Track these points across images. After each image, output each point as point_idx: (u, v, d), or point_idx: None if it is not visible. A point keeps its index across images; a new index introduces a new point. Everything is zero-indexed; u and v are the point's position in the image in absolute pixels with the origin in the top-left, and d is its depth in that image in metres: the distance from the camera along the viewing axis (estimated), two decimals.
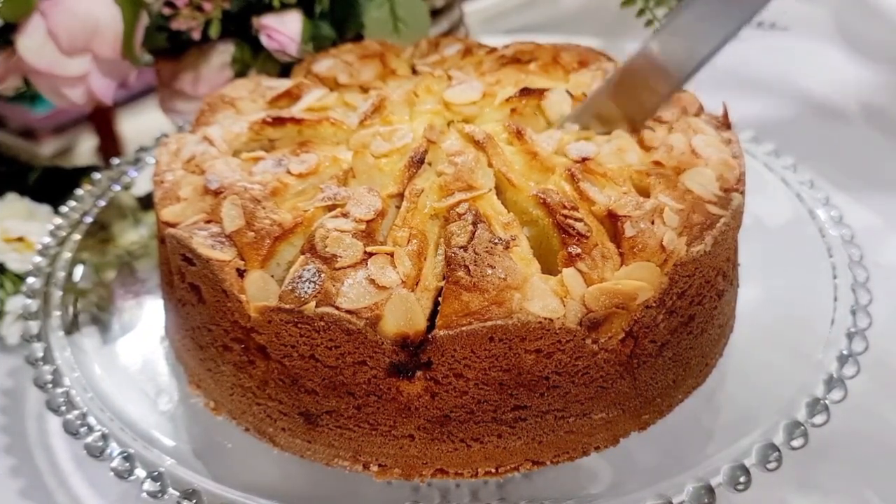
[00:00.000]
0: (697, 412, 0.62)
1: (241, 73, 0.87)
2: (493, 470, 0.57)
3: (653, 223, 0.55)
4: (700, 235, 0.56)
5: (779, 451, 0.55)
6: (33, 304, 0.69)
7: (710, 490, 0.53)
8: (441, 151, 0.61)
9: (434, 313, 0.52)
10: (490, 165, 0.60)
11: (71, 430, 0.59)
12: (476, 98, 0.66)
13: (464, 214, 0.55)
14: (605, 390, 0.56)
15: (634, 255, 0.54)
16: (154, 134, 0.89)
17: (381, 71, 0.72)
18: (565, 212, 0.55)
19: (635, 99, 0.65)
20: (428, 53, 0.76)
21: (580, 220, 0.55)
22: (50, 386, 0.62)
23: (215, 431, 0.62)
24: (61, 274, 0.72)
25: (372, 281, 0.52)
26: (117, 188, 0.83)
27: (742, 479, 0.53)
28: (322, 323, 0.52)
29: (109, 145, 1.10)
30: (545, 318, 0.51)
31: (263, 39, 0.84)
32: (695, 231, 0.56)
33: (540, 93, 0.65)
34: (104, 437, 0.58)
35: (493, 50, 0.75)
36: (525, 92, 0.65)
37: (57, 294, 0.70)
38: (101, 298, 0.74)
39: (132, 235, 0.81)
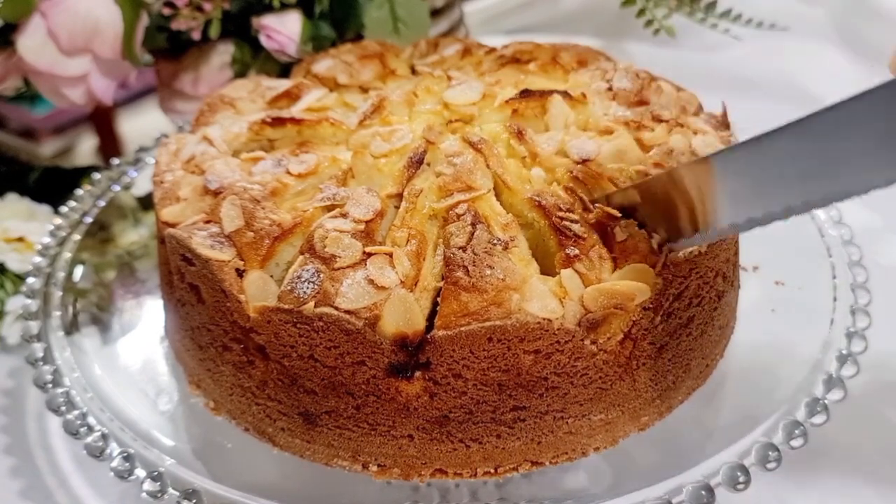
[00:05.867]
0: (697, 412, 0.62)
1: (241, 73, 0.87)
2: (493, 470, 0.57)
3: None
4: None
5: (778, 451, 0.54)
6: (33, 304, 0.69)
7: (710, 490, 0.53)
8: (440, 152, 0.61)
9: (433, 314, 0.52)
10: (488, 167, 0.60)
11: (71, 431, 0.59)
12: (476, 99, 0.66)
13: (463, 215, 0.55)
14: (604, 391, 0.56)
15: (626, 258, 0.54)
16: (154, 134, 0.89)
17: (381, 71, 0.72)
18: (561, 214, 0.55)
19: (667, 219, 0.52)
20: (427, 53, 0.76)
21: (576, 221, 0.55)
22: (50, 386, 0.62)
23: (215, 431, 0.62)
24: (61, 274, 0.72)
25: (371, 281, 0.52)
26: (117, 188, 0.83)
27: (742, 479, 0.53)
28: (321, 323, 0.52)
29: (109, 145, 1.11)
30: (544, 319, 0.51)
31: (263, 39, 0.84)
32: None
33: (540, 94, 0.65)
34: (104, 437, 0.58)
35: (492, 50, 0.75)
36: (526, 94, 0.65)
37: (57, 294, 0.70)
38: (101, 298, 0.74)
39: (132, 235, 0.81)
